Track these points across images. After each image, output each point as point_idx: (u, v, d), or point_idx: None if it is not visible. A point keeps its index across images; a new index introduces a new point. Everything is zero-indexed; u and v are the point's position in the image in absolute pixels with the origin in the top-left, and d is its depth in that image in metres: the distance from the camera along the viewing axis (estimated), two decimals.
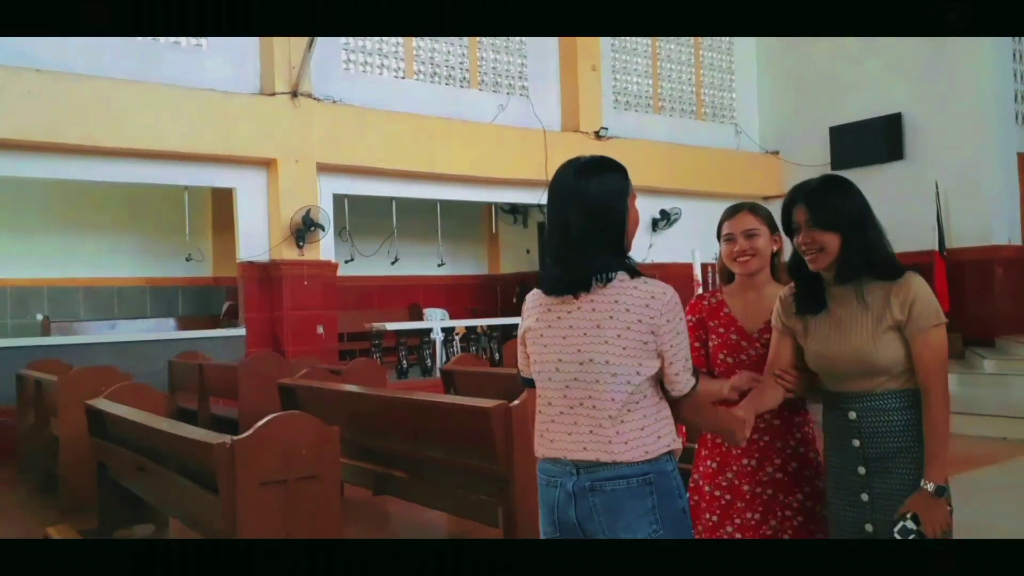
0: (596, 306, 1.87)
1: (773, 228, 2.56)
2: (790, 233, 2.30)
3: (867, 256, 2.18)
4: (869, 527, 2.21)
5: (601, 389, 1.86)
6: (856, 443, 2.24)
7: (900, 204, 9.54)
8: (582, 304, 1.89)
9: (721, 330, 2.56)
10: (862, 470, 2.22)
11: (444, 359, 9.43)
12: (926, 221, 10.12)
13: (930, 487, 2.09)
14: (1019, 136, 10.87)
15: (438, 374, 8.12)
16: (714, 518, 2.54)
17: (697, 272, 9.88)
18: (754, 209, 2.56)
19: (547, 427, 1.95)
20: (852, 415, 2.24)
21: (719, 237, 2.59)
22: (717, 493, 2.53)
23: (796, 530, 2.44)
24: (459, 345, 10.20)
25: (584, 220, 1.87)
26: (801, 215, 2.24)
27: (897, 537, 2.07)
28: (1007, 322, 10.28)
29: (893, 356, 2.16)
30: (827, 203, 2.21)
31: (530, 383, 2.05)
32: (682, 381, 1.92)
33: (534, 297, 2.01)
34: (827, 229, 2.19)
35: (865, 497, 2.22)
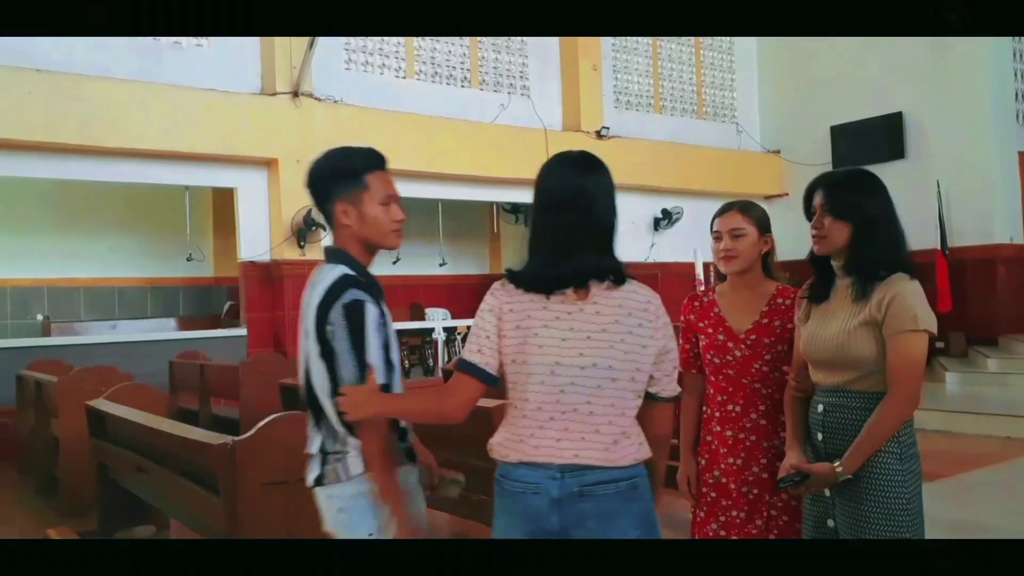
0: (600, 309, 1.82)
1: (764, 229, 2.55)
2: (809, 217, 2.30)
3: (872, 254, 2.18)
4: (831, 523, 2.23)
5: (601, 394, 1.82)
6: (819, 437, 2.26)
7: (901, 203, 9.14)
8: (584, 306, 1.82)
9: (710, 330, 2.57)
10: None
11: (446, 359, 9.43)
12: (928, 220, 10.09)
13: (841, 473, 2.12)
14: (1020, 135, 10.85)
15: (440, 374, 8.12)
16: (701, 514, 2.55)
17: (699, 271, 9.90)
18: (745, 209, 2.56)
19: (532, 432, 1.86)
20: (820, 408, 2.26)
21: (711, 233, 2.60)
22: (704, 490, 2.54)
23: (782, 529, 2.46)
24: (461, 345, 10.19)
25: (582, 218, 1.84)
26: (818, 199, 2.26)
27: (780, 483, 2.20)
28: (1010, 321, 10.26)
29: (865, 351, 2.15)
30: (845, 193, 2.23)
31: (491, 380, 1.91)
32: (674, 382, 1.94)
33: (513, 292, 1.91)
34: (838, 218, 2.20)
35: (827, 492, 2.23)
